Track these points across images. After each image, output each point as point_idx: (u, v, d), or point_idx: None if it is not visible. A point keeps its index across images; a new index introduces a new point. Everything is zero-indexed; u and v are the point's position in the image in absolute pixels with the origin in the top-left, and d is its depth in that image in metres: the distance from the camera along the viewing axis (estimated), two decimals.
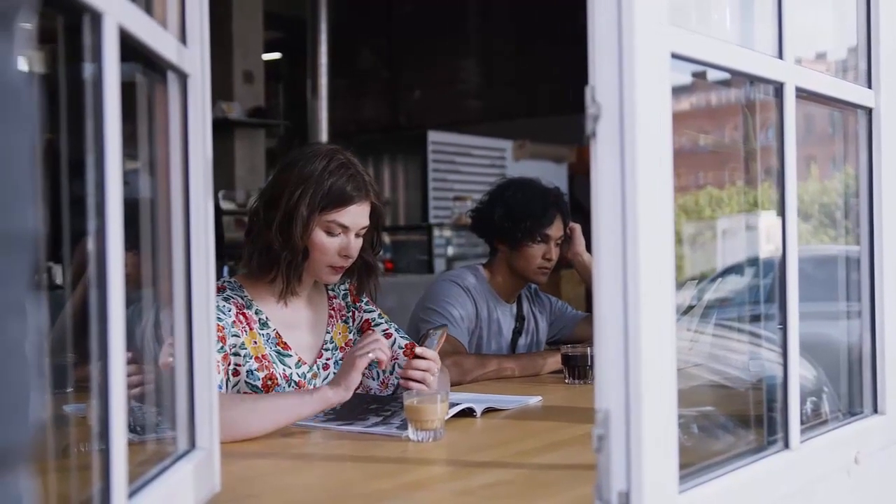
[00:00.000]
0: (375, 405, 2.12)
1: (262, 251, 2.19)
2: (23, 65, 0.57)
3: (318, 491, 1.58)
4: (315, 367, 2.28)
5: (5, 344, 0.53)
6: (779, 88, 1.52)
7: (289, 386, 2.20)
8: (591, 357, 2.65)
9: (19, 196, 0.55)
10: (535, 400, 2.35)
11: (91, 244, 1.01)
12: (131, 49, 1.11)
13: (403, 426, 1.90)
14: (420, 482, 1.61)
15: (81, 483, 1.18)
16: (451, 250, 7.62)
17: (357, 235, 2.22)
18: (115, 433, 1.01)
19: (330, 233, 2.18)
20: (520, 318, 3.15)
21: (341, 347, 2.35)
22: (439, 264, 7.44)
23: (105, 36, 1.00)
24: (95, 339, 1.00)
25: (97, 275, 1.00)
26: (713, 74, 1.55)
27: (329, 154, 2.22)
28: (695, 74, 1.48)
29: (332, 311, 2.37)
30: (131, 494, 1.07)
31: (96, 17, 0.99)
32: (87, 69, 1.01)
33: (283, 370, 2.20)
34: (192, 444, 1.37)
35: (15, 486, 0.54)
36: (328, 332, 2.34)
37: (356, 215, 2.20)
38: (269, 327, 2.22)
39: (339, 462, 1.75)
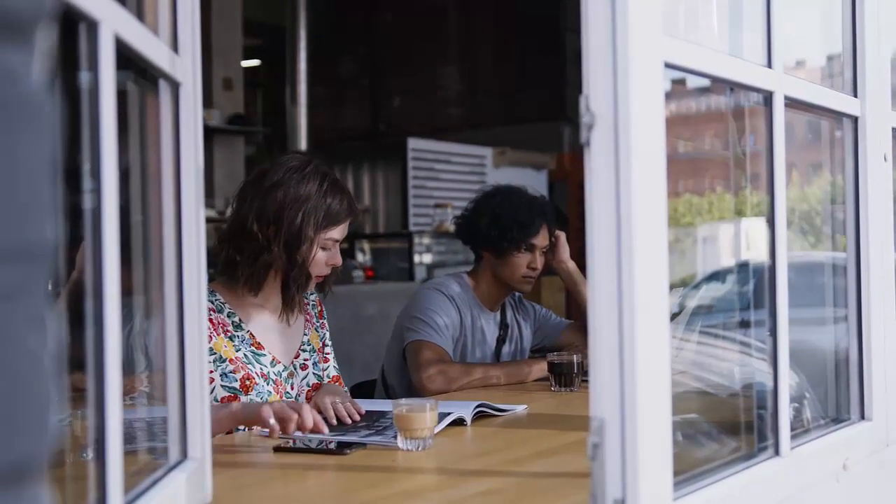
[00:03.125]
0: (366, 421, 2.11)
1: (262, 269, 2.25)
2: (42, 76, 0.57)
3: (310, 501, 1.58)
4: (292, 367, 2.35)
5: (27, 356, 0.53)
6: (768, 97, 1.53)
7: (267, 384, 2.25)
8: (578, 365, 2.66)
9: (40, 207, 0.55)
10: (521, 408, 2.35)
11: (87, 253, 1.00)
12: (124, 57, 1.11)
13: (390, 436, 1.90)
14: (412, 491, 1.61)
15: (73, 493, 1.17)
16: (431, 258, 7.61)
17: (340, 245, 2.35)
18: (112, 444, 1.00)
19: (324, 248, 2.29)
20: (503, 326, 3.15)
21: (318, 350, 2.44)
22: (420, 272, 7.43)
23: (101, 44, 1.00)
24: (91, 348, 0.99)
25: (93, 284, 0.99)
26: (693, 82, 1.55)
27: (317, 172, 2.29)
28: (674, 81, 1.48)
29: (308, 315, 2.45)
30: None
31: (92, 26, 0.99)
32: (83, 77, 1.01)
33: (260, 369, 2.26)
34: (184, 455, 1.36)
35: (37, 499, 0.54)
36: (305, 335, 2.42)
37: (346, 229, 2.33)
38: (243, 329, 2.27)
39: (329, 472, 1.74)
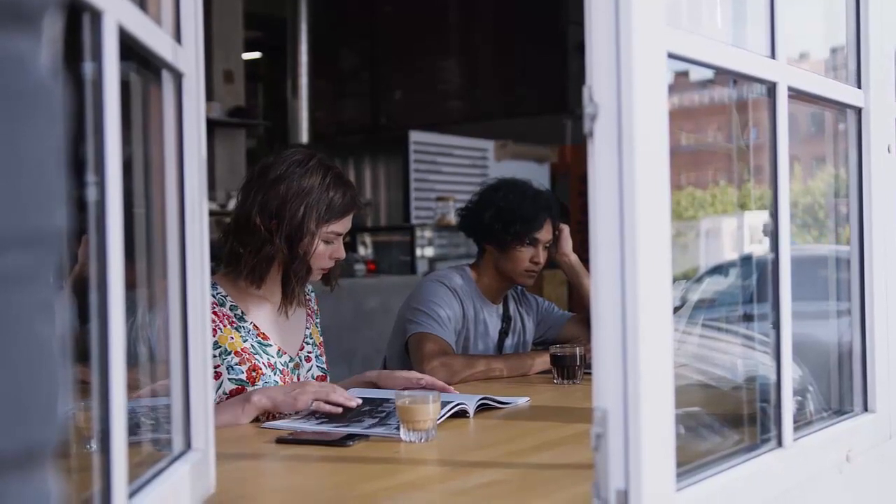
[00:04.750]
0: (368, 407, 2.12)
1: (264, 261, 2.26)
2: (51, 62, 0.57)
3: (313, 492, 1.58)
4: (297, 359, 2.37)
5: (35, 343, 0.53)
6: (771, 88, 1.52)
7: (274, 374, 2.28)
8: (580, 357, 2.66)
9: (50, 194, 0.55)
10: (524, 400, 2.36)
11: (91, 244, 1.00)
12: (127, 48, 1.11)
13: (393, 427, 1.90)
14: (415, 483, 1.61)
15: (78, 484, 1.18)
16: (433, 251, 7.61)
17: (343, 238, 2.36)
18: (116, 435, 1.00)
19: (327, 242, 2.30)
20: (506, 319, 3.15)
21: (318, 345, 2.47)
22: (422, 265, 7.43)
23: (105, 34, 0.99)
24: (95, 340, 0.99)
25: (97, 275, 0.99)
26: (696, 74, 1.55)
27: (320, 166, 2.30)
28: (678, 73, 1.48)
29: (309, 311, 2.48)
30: (131, 495, 1.07)
31: (96, 16, 0.99)
32: (87, 67, 1.01)
33: (267, 359, 2.28)
34: (188, 445, 1.36)
35: (46, 484, 0.54)
36: (307, 328, 2.44)
37: (349, 222, 2.34)
38: (246, 321, 2.29)
39: (332, 463, 1.74)
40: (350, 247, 7.44)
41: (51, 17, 0.57)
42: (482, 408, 2.20)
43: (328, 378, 2.46)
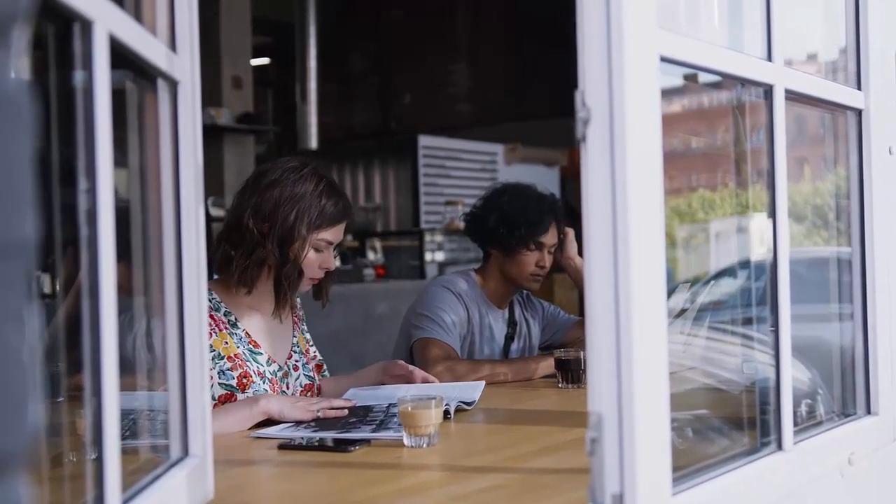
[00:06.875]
0: (355, 419, 2.11)
1: (255, 265, 2.27)
2: (20, 73, 0.57)
3: (312, 498, 1.58)
4: (286, 367, 2.39)
5: (4, 351, 0.53)
6: (768, 91, 1.52)
7: (263, 382, 2.29)
8: (585, 361, 2.65)
9: (18, 204, 0.55)
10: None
11: (83, 253, 1.01)
12: (121, 56, 1.11)
13: (401, 429, 1.90)
14: (415, 487, 1.61)
15: (74, 492, 1.18)
16: (443, 255, 7.60)
17: (335, 249, 2.38)
18: (109, 441, 1.00)
19: (317, 249, 2.32)
20: (512, 324, 3.15)
21: (304, 353, 2.48)
22: (431, 269, 7.43)
23: (95, 43, 1.00)
24: (88, 348, 1.00)
25: (89, 284, 1.00)
26: (704, 77, 1.55)
27: (314, 174, 2.33)
28: (686, 77, 1.48)
29: (296, 319, 2.50)
30: (125, 502, 1.07)
31: (87, 25, 0.99)
32: (78, 76, 1.01)
33: (257, 367, 2.30)
34: (186, 452, 1.36)
35: (14, 492, 0.55)
36: (294, 336, 2.47)
37: (341, 232, 2.36)
38: (239, 328, 2.31)
39: (332, 469, 1.74)
40: (359, 251, 7.44)
41: (20, 28, 0.58)
42: (460, 406, 2.24)
43: (315, 386, 2.47)
